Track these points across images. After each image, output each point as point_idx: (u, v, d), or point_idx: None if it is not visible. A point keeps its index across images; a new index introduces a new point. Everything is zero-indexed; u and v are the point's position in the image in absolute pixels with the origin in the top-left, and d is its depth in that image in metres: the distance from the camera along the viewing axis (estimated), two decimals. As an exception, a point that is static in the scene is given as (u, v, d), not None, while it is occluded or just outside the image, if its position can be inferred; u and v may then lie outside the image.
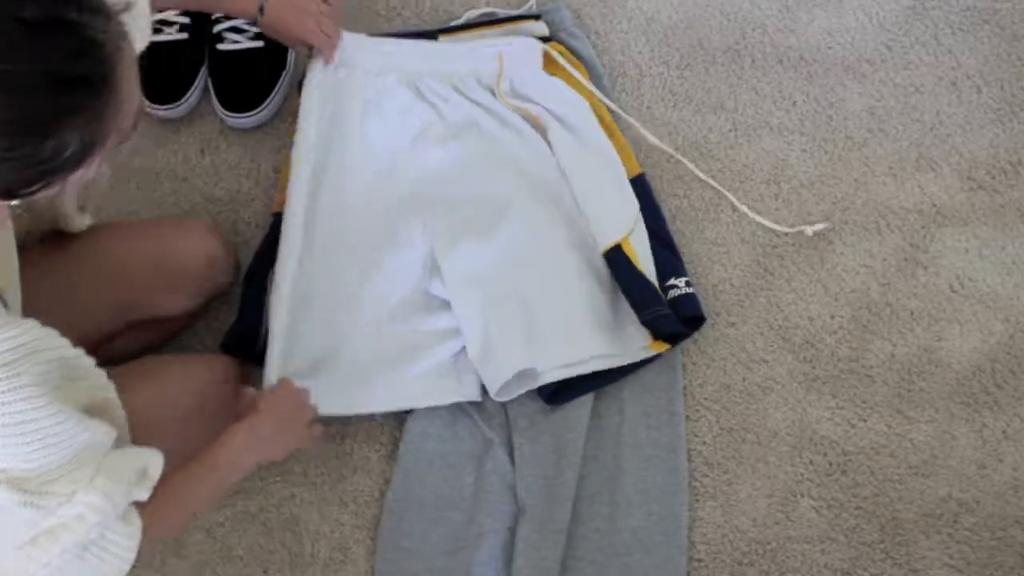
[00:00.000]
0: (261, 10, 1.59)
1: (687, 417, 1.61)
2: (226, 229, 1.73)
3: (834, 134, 1.80)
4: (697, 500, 1.58)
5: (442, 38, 1.79)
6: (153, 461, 1.18)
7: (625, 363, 1.59)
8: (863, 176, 1.77)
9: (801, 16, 1.88)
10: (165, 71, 1.78)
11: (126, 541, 1.15)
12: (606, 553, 1.52)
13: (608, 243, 1.64)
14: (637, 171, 1.72)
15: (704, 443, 1.61)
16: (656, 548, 1.53)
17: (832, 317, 1.68)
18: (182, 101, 1.79)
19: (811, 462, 1.60)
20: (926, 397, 1.63)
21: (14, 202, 1.04)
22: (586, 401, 1.59)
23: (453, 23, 1.84)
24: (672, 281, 1.63)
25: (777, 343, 1.66)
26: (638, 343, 1.60)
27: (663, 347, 1.59)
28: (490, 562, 1.51)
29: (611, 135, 1.73)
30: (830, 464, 1.59)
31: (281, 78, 1.80)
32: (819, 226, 1.71)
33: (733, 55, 1.86)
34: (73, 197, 1.44)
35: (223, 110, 1.78)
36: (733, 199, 1.74)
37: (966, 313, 1.68)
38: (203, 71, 1.81)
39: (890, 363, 1.65)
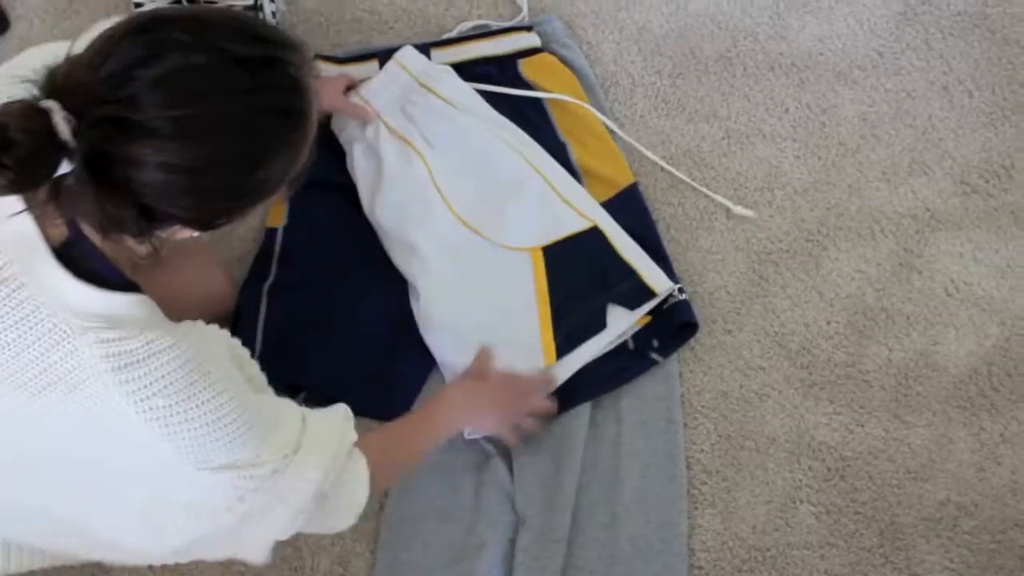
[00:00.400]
0: None
1: (685, 425, 1.62)
2: (221, 246, 1.73)
3: (827, 140, 1.80)
4: (696, 508, 1.58)
5: (435, 52, 1.79)
6: (343, 409, 1.26)
7: (616, 336, 1.61)
8: (856, 182, 1.77)
9: (792, 23, 1.89)
10: None
11: (358, 482, 1.23)
12: (606, 562, 1.52)
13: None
14: (630, 181, 1.72)
15: (702, 451, 1.61)
16: (656, 556, 1.53)
17: (828, 323, 1.68)
18: None
19: (809, 468, 1.60)
20: (923, 401, 1.63)
21: (204, 235, 1.08)
22: (583, 411, 1.59)
23: (445, 36, 1.85)
24: None
25: (774, 350, 1.66)
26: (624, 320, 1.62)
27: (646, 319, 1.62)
28: (491, 572, 1.51)
29: (603, 145, 1.74)
30: (828, 470, 1.60)
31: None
32: (743, 210, 1.73)
33: (725, 63, 1.86)
34: None
35: None
36: (684, 176, 1.75)
37: (962, 317, 1.68)
38: None
39: (887, 368, 1.65)
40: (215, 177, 1.00)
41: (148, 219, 1.01)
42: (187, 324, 1.12)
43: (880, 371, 1.65)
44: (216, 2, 1.78)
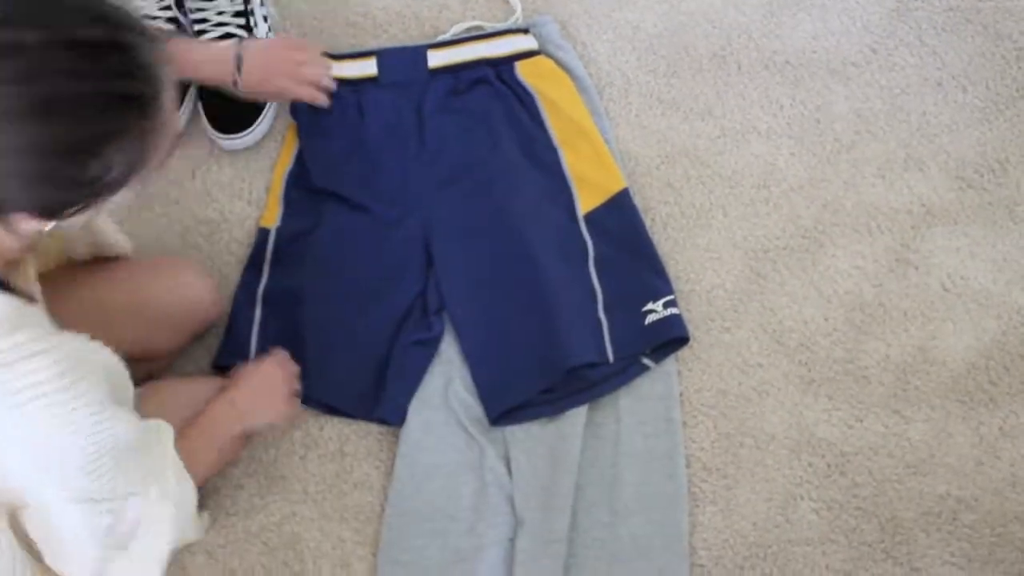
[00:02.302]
0: (235, 82, 1.62)
1: (684, 423, 1.62)
2: (219, 249, 1.73)
3: (822, 137, 1.81)
4: (697, 505, 1.58)
5: (431, 53, 1.79)
6: (166, 429, 1.27)
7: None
8: (852, 178, 1.77)
9: (785, 21, 1.89)
10: None
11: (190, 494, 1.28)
12: (607, 561, 1.53)
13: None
14: (621, 186, 1.72)
15: (702, 448, 1.61)
16: (657, 555, 1.53)
17: (826, 319, 1.68)
18: None
19: (810, 464, 1.60)
20: (922, 396, 1.63)
21: (50, 225, 1.04)
22: (580, 412, 1.59)
23: (440, 38, 1.85)
24: (649, 306, 1.64)
25: (772, 347, 1.67)
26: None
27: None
28: (491, 573, 1.51)
29: (596, 149, 1.74)
30: (828, 466, 1.60)
31: (270, 97, 1.80)
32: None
33: (719, 61, 1.87)
34: (109, 222, 1.45)
35: (213, 132, 1.78)
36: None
37: (959, 311, 1.68)
38: (192, 93, 1.81)
39: (885, 363, 1.65)
40: (51, 162, 0.96)
41: None
42: (67, 333, 1.10)
43: (878, 367, 1.65)
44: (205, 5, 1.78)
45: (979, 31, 1.88)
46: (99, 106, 0.96)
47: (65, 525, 1.13)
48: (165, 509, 1.21)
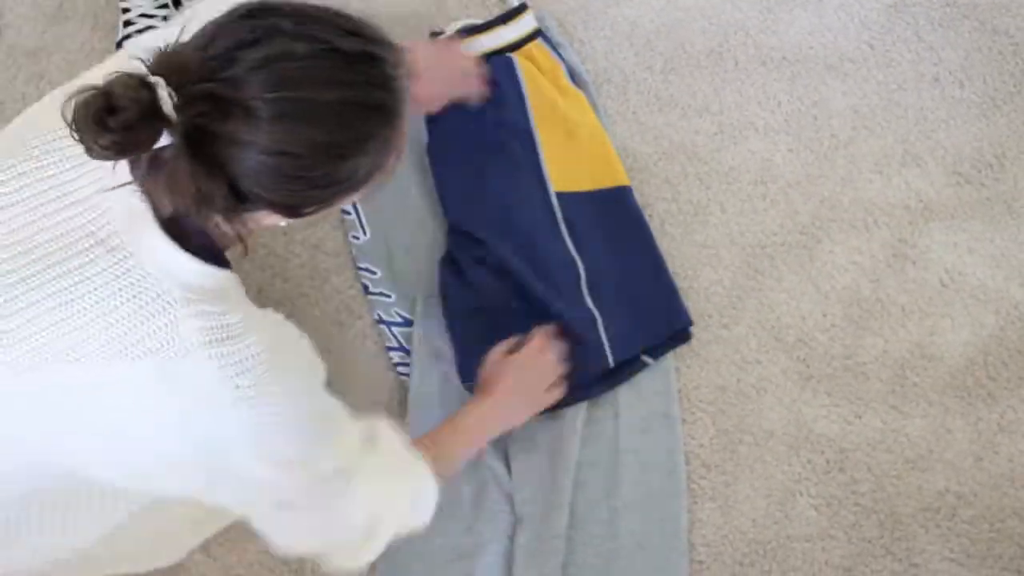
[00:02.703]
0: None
1: (683, 420, 1.62)
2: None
3: (819, 133, 1.81)
4: (696, 502, 1.58)
5: None
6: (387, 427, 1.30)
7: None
8: (849, 174, 1.77)
9: (782, 17, 1.89)
10: None
11: (431, 485, 1.30)
12: (607, 558, 1.53)
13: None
14: (624, 183, 1.72)
15: (701, 445, 1.61)
16: (657, 551, 1.53)
17: (824, 315, 1.68)
18: None
19: (808, 460, 1.60)
20: (920, 392, 1.63)
21: (287, 221, 1.11)
22: (579, 409, 1.59)
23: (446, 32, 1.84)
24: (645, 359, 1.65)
25: (770, 343, 1.67)
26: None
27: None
28: (490, 570, 1.51)
29: (601, 143, 1.73)
30: (827, 462, 1.60)
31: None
32: None
33: (716, 58, 1.87)
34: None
35: None
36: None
37: (957, 307, 1.68)
38: None
39: (883, 359, 1.65)
40: (304, 162, 1.02)
41: (237, 199, 1.03)
42: (271, 311, 1.16)
43: (877, 362, 1.65)
44: None
45: (976, 27, 1.88)
46: (354, 113, 1.03)
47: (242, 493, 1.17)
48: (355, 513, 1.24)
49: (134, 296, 1.06)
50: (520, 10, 1.80)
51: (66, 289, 1.06)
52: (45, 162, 1.10)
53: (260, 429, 1.10)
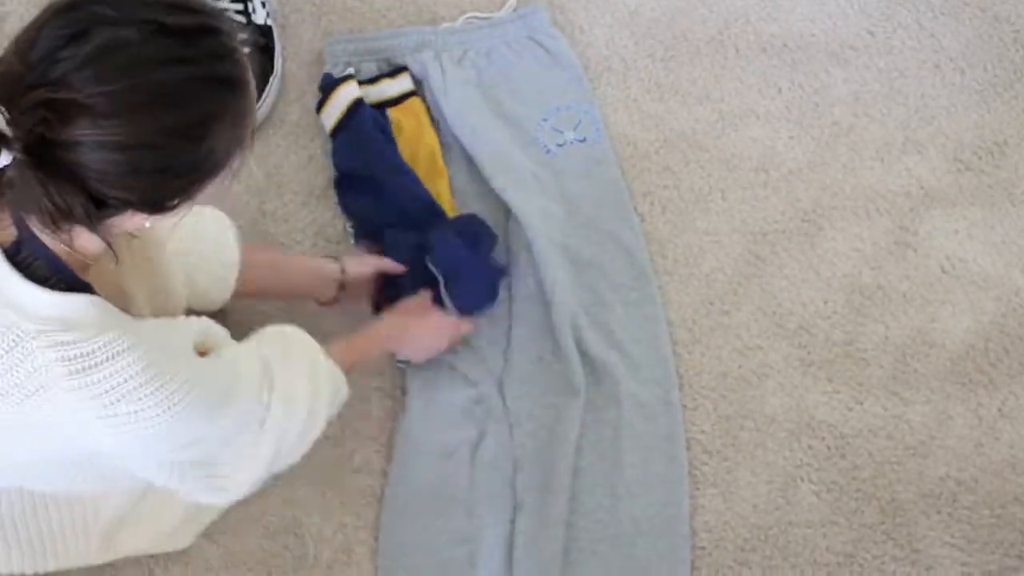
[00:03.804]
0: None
1: (684, 406, 1.62)
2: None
3: (820, 120, 1.81)
4: (697, 488, 1.58)
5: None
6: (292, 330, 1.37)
7: None
8: (850, 161, 1.78)
9: (783, 4, 1.89)
10: None
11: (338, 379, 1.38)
12: (609, 543, 1.53)
13: None
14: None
15: (703, 431, 1.61)
16: (659, 537, 1.53)
17: (825, 302, 1.68)
18: None
19: (810, 447, 1.60)
20: (921, 378, 1.64)
21: (152, 219, 1.04)
22: (579, 395, 1.59)
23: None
24: None
25: (772, 329, 1.67)
26: None
27: None
28: (493, 554, 1.52)
29: (439, 176, 1.75)
30: (828, 448, 1.60)
31: (269, 83, 1.79)
32: None
33: (717, 45, 1.86)
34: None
35: None
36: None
37: (958, 293, 1.69)
38: None
39: (884, 346, 1.66)
40: (158, 152, 0.97)
41: (97, 205, 0.98)
42: (149, 321, 1.12)
43: (878, 349, 1.65)
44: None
45: (977, 14, 1.88)
46: (200, 89, 0.98)
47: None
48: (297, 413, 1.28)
49: None
50: (403, 69, 1.81)
51: None
52: None
53: (150, 442, 1.09)
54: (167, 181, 1.00)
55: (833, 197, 1.75)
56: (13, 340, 1.01)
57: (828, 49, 1.85)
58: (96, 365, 1.01)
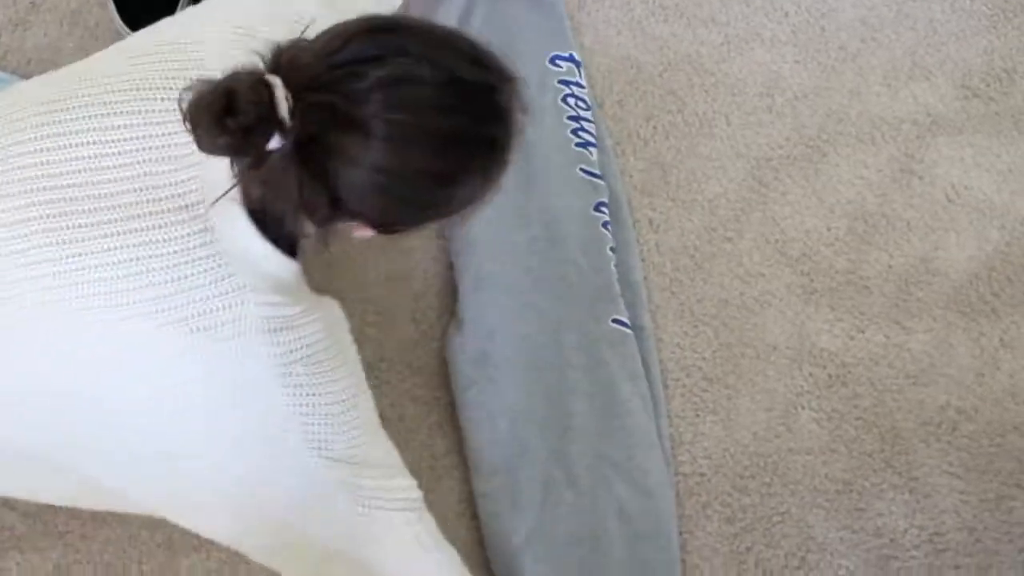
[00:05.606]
0: None
1: (686, 333, 1.61)
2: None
3: (827, 45, 1.77)
4: (698, 415, 1.58)
5: None
6: None
7: None
8: (857, 87, 1.75)
9: (791, -75, 1.85)
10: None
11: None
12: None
13: None
14: None
15: (704, 359, 1.61)
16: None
17: (828, 229, 1.67)
18: None
19: (810, 375, 1.60)
20: (923, 307, 1.63)
21: (373, 234, 1.09)
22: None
23: None
24: None
25: (774, 257, 1.65)
26: None
27: None
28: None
29: None
30: (829, 376, 1.60)
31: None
32: None
33: (723, -34, 1.83)
34: None
35: (122, 25, 1.70)
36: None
37: (962, 222, 1.67)
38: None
39: (887, 274, 1.64)
40: (410, 186, 1.01)
41: (336, 210, 1.02)
42: (327, 300, 1.15)
43: (880, 277, 1.64)
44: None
45: (988, -63, 1.84)
46: (467, 144, 1.02)
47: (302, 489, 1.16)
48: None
49: (208, 270, 1.04)
50: None
51: (143, 244, 1.05)
52: (142, 116, 1.08)
53: (308, 419, 1.09)
54: (406, 210, 1.05)
55: (838, 123, 1.72)
56: (235, 286, 1.05)
57: (836, -29, 1.82)
58: (290, 327, 1.06)
